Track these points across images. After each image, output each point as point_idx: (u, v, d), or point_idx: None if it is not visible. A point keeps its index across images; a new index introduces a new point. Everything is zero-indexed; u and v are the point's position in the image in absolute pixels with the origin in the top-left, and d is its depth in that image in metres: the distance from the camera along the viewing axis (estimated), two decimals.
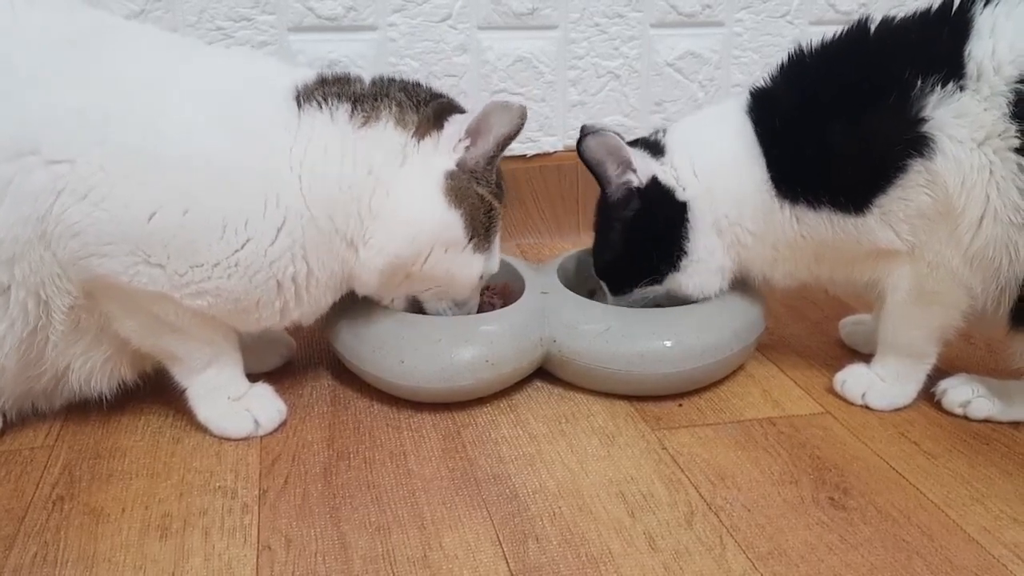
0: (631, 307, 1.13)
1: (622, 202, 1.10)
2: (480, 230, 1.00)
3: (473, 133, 0.98)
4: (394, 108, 0.96)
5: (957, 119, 0.92)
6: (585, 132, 1.08)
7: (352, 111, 0.94)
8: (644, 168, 1.08)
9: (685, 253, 1.08)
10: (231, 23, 1.44)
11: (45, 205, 0.84)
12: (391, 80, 1.01)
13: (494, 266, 1.07)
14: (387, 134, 0.95)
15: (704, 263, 1.09)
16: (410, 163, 0.96)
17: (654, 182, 1.08)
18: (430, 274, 1.00)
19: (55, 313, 0.90)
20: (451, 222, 0.97)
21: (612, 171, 1.08)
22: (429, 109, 0.99)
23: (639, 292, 1.12)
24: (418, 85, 1.02)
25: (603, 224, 1.15)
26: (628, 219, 1.10)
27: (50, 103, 0.85)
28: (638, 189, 1.08)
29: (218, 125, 0.89)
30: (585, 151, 1.08)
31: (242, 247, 0.89)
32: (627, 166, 1.08)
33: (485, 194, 1.00)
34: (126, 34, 0.97)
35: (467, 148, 0.98)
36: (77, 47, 0.89)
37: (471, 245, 1.00)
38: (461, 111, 1.02)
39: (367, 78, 1.00)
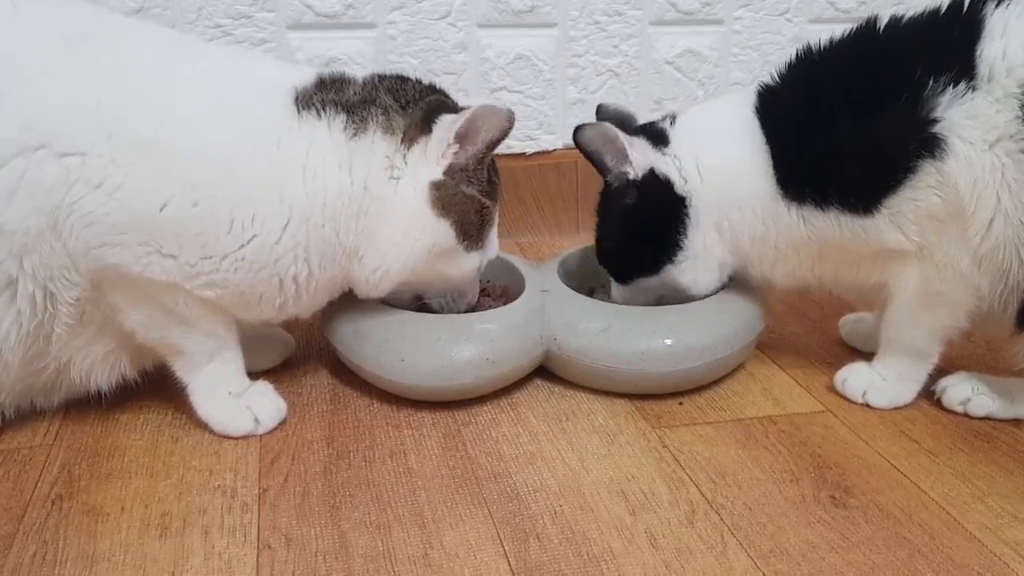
0: (635, 301, 1.13)
1: (620, 192, 1.09)
2: (472, 231, 1.00)
3: (461, 137, 0.97)
4: (380, 115, 0.96)
5: (969, 120, 0.91)
6: (582, 124, 1.08)
7: (346, 122, 0.94)
8: (641, 159, 1.08)
9: (681, 248, 1.08)
10: (230, 20, 1.43)
11: (59, 195, 0.85)
12: (381, 79, 1.00)
13: (492, 254, 1.07)
14: (376, 144, 0.95)
15: (701, 259, 1.08)
16: (398, 174, 0.96)
17: (651, 174, 1.08)
18: (426, 278, 1.02)
19: (61, 306, 0.90)
20: (441, 232, 0.98)
21: (609, 161, 1.08)
22: (418, 111, 0.98)
23: (642, 282, 1.12)
24: (406, 81, 1.01)
25: (603, 212, 1.15)
26: (626, 209, 1.09)
27: (58, 98, 0.86)
28: (634, 181, 1.08)
29: (221, 120, 0.90)
30: (581, 141, 1.08)
31: (248, 242, 0.90)
32: (623, 157, 1.07)
33: (475, 194, 1.00)
34: (127, 30, 0.97)
35: (455, 153, 0.97)
36: (80, 42, 0.89)
37: (463, 247, 1.00)
38: (451, 108, 1.00)
39: (361, 79, 1.00)
